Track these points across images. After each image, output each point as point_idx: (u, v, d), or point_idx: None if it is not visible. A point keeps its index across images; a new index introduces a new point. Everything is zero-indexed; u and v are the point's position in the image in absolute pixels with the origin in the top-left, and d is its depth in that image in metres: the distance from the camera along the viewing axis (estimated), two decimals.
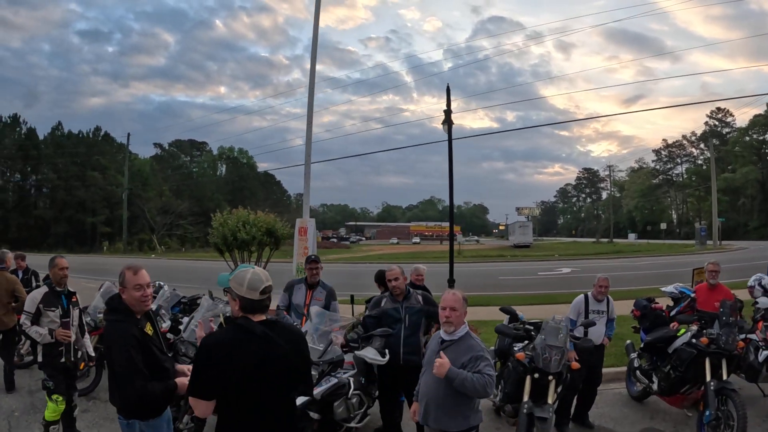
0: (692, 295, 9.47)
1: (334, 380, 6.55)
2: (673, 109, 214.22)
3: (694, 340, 7.60)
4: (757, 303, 9.39)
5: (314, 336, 6.87)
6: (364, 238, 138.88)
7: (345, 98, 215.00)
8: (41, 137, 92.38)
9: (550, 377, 6.49)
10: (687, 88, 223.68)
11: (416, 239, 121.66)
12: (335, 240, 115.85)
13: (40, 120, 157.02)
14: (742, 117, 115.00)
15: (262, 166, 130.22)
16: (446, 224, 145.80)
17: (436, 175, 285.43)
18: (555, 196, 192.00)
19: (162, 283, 10.52)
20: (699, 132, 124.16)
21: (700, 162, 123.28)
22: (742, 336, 7.99)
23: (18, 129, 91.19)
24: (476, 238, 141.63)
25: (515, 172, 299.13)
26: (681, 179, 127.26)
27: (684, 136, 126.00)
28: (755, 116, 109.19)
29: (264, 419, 3.65)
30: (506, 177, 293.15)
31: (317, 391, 6.25)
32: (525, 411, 6.34)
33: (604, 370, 9.09)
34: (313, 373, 5.99)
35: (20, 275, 11.71)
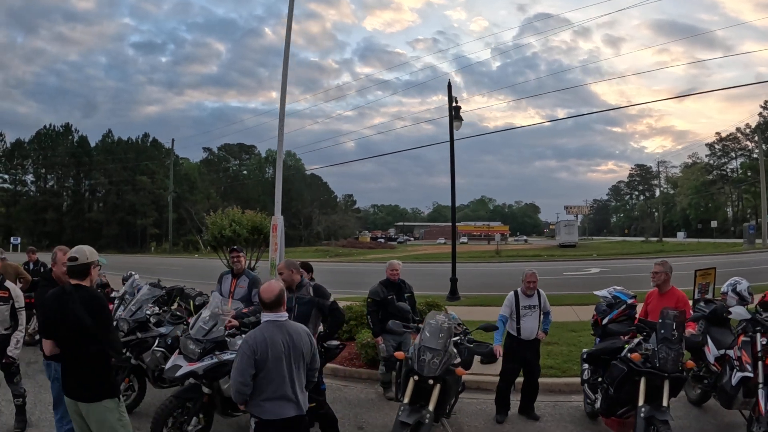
0: (629, 301, 8.53)
1: (215, 359, 6.82)
2: (728, 101, 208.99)
3: (629, 355, 6.87)
4: (730, 313, 8.11)
5: (206, 317, 7.19)
6: (412, 239, 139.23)
7: (396, 100, 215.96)
8: (92, 145, 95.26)
9: (430, 381, 6.39)
10: (741, 79, 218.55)
11: (464, 239, 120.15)
12: (383, 240, 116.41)
13: (100, 129, 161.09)
14: None
15: (311, 168, 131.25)
16: (495, 224, 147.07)
17: (489, 175, 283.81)
18: (607, 194, 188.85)
19: (133, 272, 10.87)
20: (754, 124, 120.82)
21: (755, 156, 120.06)
22: (721, 352, 7.63)
23: (70, 137, 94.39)
24: (525, 238, 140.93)
25: (568, 170, 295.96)
26: (736, 174, 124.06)
27: (738, 129, 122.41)
28: None
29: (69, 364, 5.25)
30: (559, 175, 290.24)
31: (199, 365, 6.74)
32: (400, 414, 6.29)
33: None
34: (196, 349, 6.81)
35: (31, 267, 13.38)
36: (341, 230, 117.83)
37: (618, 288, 8.93)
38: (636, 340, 7.14)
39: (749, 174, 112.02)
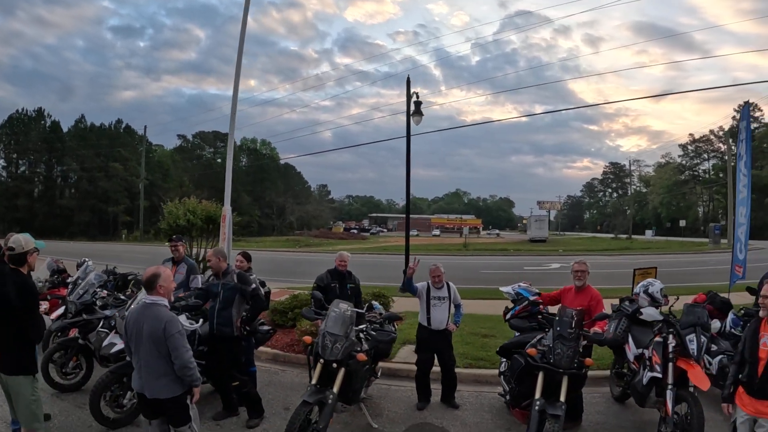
0: (531, 297, 8.75)
1: None
2: (704, 104, 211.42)
3: (529, 350, 7.05)
4: (641, 314, 8.30)
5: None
6: (385, 230, 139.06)
7: (374, 91, 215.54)
8: (65, 130, 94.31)
9: (334, 364, 6.77)
10: (718, 82, 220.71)
11: (436, 231, 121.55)
12: (356, 231, 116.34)
13: (76, 113, 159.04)
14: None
15: (289, 158, 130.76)
16: (468, 217, 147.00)
17: (466, 169, 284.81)
18: (581, 191, 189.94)
19: (87, 259, 11.12)
20: (727, 127, 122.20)
21: (727, 158, 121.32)
22: (639, 351, 7.70)
23: (43, 122, 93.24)
24: (497, 231, 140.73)
25: (544, 166, 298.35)
26: (708, 175, 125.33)
27: (711, 131, 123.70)
28: None
29: None
30: (535, 171, 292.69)
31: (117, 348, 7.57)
32: (305, 394, 6.64)
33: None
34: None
35: None
36: (315, 220, 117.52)
37: (523, 285, 9.16)
38: (539, 336, 7.35)
39: (721, 175, 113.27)
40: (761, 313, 5.53)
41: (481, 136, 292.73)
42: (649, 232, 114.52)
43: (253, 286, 8.04)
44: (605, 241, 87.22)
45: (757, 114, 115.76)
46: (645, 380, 7.16)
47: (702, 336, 7.11)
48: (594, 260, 39.73)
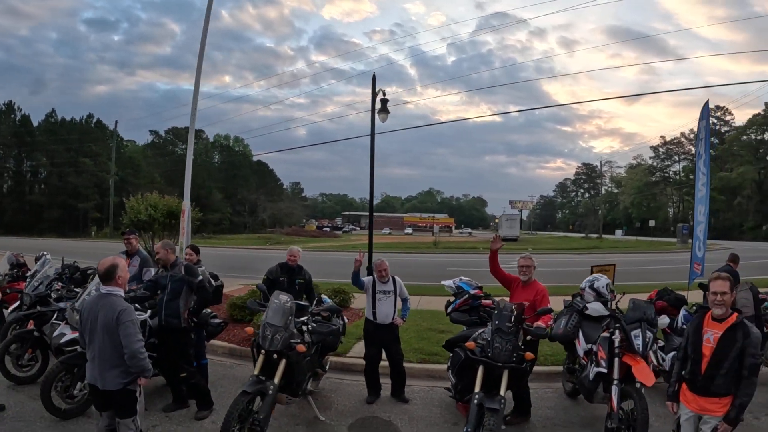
0: (472, 291, 8.80)
1: None
2: (676, 107, 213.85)
3: (467, 343, 7.00)
4: (586, 309, 8.23)
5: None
6: (357, 228, 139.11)
7: (349, 89, 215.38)
8: (35, 124, 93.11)
9: (275, 355, 6.84)
10: (690, 87, 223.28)
11: (409, 230, 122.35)
12: (328, 229, 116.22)
13: (48, 107, 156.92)
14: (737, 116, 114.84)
15: (265, 156, 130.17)
16: (440, 216, 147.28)
17: (440, 168, 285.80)
18: (554, 191, 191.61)
19: (45, 253, 11.10)
20: (697, 130, 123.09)
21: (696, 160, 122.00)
22: (589, 347, 7.58)
23: (12, 116, 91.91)
24: (469, 230, 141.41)
25: (517, 166, 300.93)
26: (678, 177, 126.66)
27: (682, 134, 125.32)
28: (754, 115, 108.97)
29: None
30: (508, 171, 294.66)
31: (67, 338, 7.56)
32: (245, 384, 6.70)
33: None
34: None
35: None
36: (287, 218, 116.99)
37: (464, 278, 9.20)
38: (480, 330, 7.32)
39: (691, 177, 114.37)
40: (716, 311, 5.38)
41: (455, 135, 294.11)
42: (619, 232, 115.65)
43: (200, 277, 8.08)
44: (576, 240, 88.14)
45: (728, 118, 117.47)
46: (591, 375, 7.19)
47: (648, 331, 7.09)
48: (562, 259, 40.32)
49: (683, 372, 5.59)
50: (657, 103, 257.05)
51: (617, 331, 7.18)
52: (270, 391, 6.61)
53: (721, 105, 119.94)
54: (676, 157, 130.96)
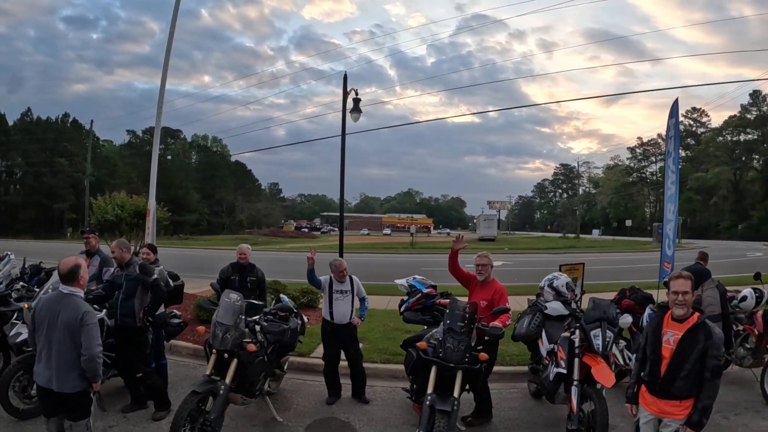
0: (425, 290, 8.77)
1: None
2: (654, 109, 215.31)
3: (419, 343, 6.92)
4: (545, 308, 8.16)
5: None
6: (336, 229, 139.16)
7: (329, 90, 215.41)
8: (11, 123, 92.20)
9: (225, 355, 6.79)
10: (667, 89, 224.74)
11: (387, 230, 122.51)
12: (306, 230, 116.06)
13: (25, 106, 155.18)
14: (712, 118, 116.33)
15: (243, 156, 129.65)
16: (419, 216, 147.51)
17: (419, 168, 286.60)
18: (532, 191, 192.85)
19: (9, 253, 10.99)
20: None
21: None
22: (551, 347, 7.44)
23: None
24: (447, 231, 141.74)
25: (496, 166, 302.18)
26: (655, 177, 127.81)
27: (659, 135, 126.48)
28: (730, 117, 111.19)
29: None
30: (487, 171, 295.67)
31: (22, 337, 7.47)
32: (195, 384, 6.66)
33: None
34: None
35: None
36: (265, 219, 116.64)
37: (418, 277, 9.14)
38: (434, 330, 7.22)
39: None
40: (676, 312, 5.16)
41: (434, 136, 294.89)
42: (596, 232, 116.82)
43: (154, 276, 8.02)
44: (553, 240, 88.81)
45: (704, 119, 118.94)
46: (552, 376, 7.11)
47: (608, 331, 7.00)
48: (537, 258, 40.41)
49: (642, 374, 5.42)
50: (634, 105, 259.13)
51: (577, 331, 7.09)
52: (221, 391, 6.54)
53: (698, 107, 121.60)
54: (653, 158, 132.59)
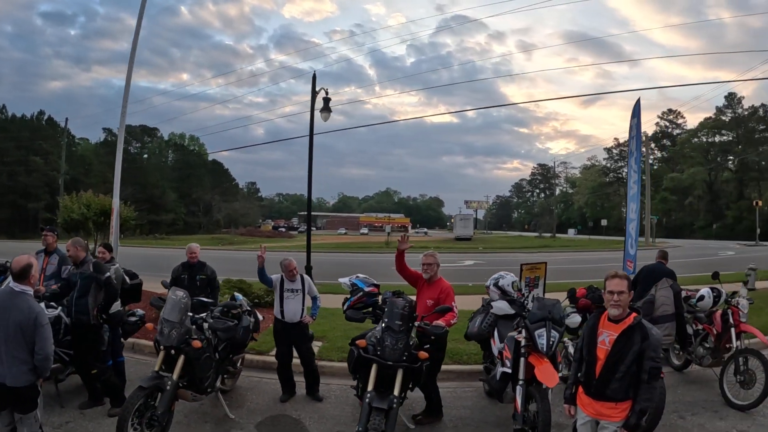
0: (366, 288, 8.62)
1: None
2: (630, 110, 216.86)
3: (358, 341, 7.04)
4: (491, 307, 8.27)
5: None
6: (314, 228, 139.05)
7: (307, 89, 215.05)
8: None
9: (172, 351, 6.86)
10: (645, 91, 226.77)
11: (364, 230, 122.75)
12: (283, 229, 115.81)
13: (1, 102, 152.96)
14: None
15: (221, 156, 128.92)
16: (396, 216, 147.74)
17: (397, 168, 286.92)
18: (510, 191, 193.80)
19: None
20: (651, 132, 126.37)
21: (650, 161, 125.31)
22: (502, 346, 7.41)
23: None
24: (425, 230, 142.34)
25: (475, 166, 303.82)
26: None
27: None
28: (705, 119, 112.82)
29: None
30: (466, 171, 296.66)
31: None
32: (141, 379, 6.74)
33: None
34: None
35: None
36: (243, 218, 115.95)
37: (361, 276, 9.08)
38: (378, 327, 7.20)
39: (643, 178, 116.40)
40: (611, 312, 5.10)
41: (413, 136, 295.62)
42: (571, 231, 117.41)
43: (107, 274, 8.08)
44: (529, 239, 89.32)
45: (680, 121, 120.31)
46: (498, 375, 7.19)
47: (553, 331, 7.00)
48: (511, 257, 40.43)
49: (579, 374, 5.33)
50: (612, 106, 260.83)
51: (523, 331, 7.10)
52: (168, 387, 6.62)
53: (674, 108, 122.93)
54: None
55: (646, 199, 75.31)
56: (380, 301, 7.99)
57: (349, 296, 8.69)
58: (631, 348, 4.88)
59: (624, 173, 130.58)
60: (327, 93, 19.58)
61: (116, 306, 8.44)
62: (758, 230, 73.42)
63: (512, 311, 7.83)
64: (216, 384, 7.86)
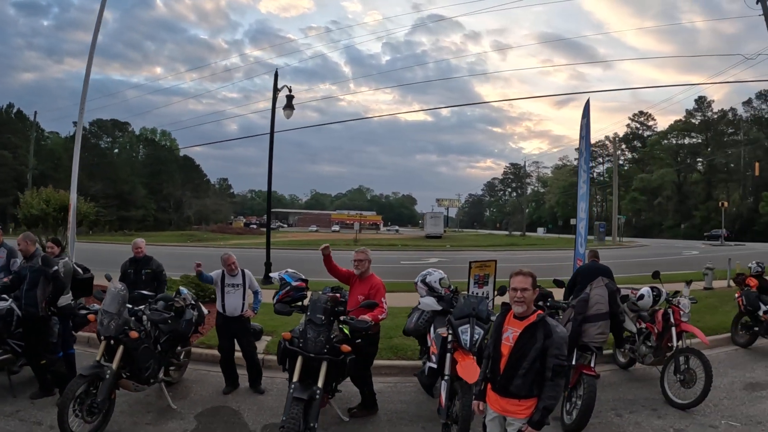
0: (294, 283, 8.85)
1: None
2: (603, 112, 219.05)
3: (284, 333, 7.09)
4: (418, 303, 8.51)
5: None
6: (285, 225, 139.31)
7: (280, 85, 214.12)
8: None
9: (112, 341, 7.17)
10: (618, 93, 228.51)
11: (336, 227, 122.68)
12: (254, 226, 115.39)
13: None
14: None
15: (194, 152, 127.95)
16: (368, 213, 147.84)
17: (371, 166, 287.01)
18: (482, 190, 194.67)
19: None
20: (622, 133, 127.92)
21: (621, 162, 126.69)
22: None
23: None
24: (396, 228, 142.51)
25: (448, 165, 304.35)
26: (602, 177, 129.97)
27: (607, 137, 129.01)
28: (675, 121, 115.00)
29: None
30: (439, 170, 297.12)
31: None
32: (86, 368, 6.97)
33: None
34: None
35: None
36: (214, 215, 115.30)
37: (290, 271, 9.26)
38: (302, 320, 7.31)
39: (609, 178, 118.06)
40: (515, 309, 5.06)
41: (387, 134, 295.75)
42: (540, 230, 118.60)
43: (55, 268, 8.29)
44: (498, 237, 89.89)
45: (651, 123, 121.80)
46: (426, 370, 7.41)
47: (477, 327, 7.09)
48: (476, 255, 40.72)
49: (487, 371, 5.31)
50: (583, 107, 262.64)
51: (447, 327, 7.24)
52: (107, 376, 6.85)
53: (645, 111, 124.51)
54: (600, 159, 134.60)
55: (614, 199, 76.67)
56: (308, 295, 8.16)
57: (278, 290, 8.91)
58: (534, 345, 4.89)
59: (595, 173, 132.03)
60: (290, 90, 19.77)
61: (67, 299, 8.67)
62: (724, 230, 74.89)
63: (439, 307, 7.98)
64: (159, 375, 8.08)
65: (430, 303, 8.19)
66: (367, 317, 7.31)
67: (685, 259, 38.41)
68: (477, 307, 7.26)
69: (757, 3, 25.47)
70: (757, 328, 12.30)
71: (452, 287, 8.70)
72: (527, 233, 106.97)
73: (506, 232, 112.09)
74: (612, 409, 8.33)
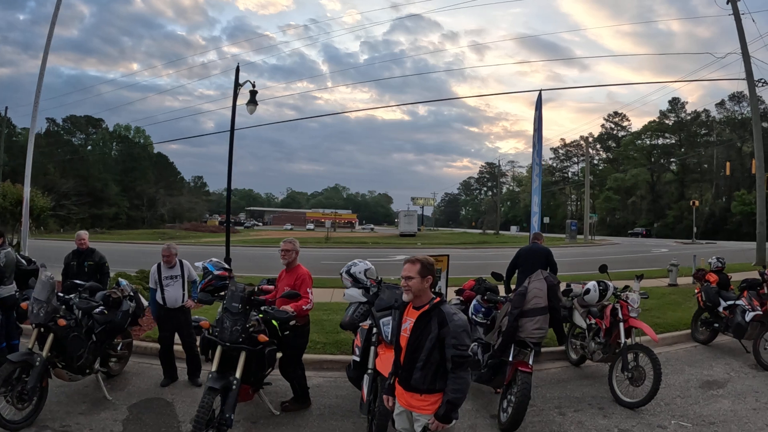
0: (216, 272, 8.82)
1: None
2: (579, 112, 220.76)
3: (202, 322, 7.38)
4: (344, 295, 8.35)
5: None
6: (260, 224, 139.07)
7: (260, 83, 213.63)
8: None
9: (43, 329, 7.26)
10: (594, 94, 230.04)
11: (311, 226, 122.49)
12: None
13: None
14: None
15: (169, 149, 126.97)
16: (344, 212, 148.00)
17: (348, 164, 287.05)
18: (458, 189, 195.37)
19: None
20: (596, 134, 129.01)
21: (596, 162, 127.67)
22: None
23: None
24: (371, 226, 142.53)
25: (425, 164, 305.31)
26: (577, 177, 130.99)
27: (582, 137, 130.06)
28: (649, 122, 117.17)
29: None
30: (416, 168, 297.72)
31: None
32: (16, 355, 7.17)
33: None
34: None
35: None
36: (188, 213, 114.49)
37: (214, 260, 9.27)
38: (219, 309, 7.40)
39: (591, 178, 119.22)
40: (404, 297, 4.87)
41: (364, 133, 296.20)
42: (514, 228, 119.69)
43: None
44: (472, 235, 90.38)
45: (625, 123, 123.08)
46: (351, 363, 7.41)
47: None
48: (446, 252, 40.92)
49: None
50: (561, 108, 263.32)
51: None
52: (36, 363, 6.92)
53: (619, 111, 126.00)
54: (575, 159, 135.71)
55: (585, 198, 77.39)
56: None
57: (201, 279, 8.99)
58: (428, 335, 4.65)
59: (570, 172, 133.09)
60: (254, 86, 19.70)
61: (10, 290, 8.77)
62: (695, 229, 75.97)
63: (364, 299, 7.89)
64: (95, 366, 8.17)
65: (354, 294, 8.06)
66: (288, 308, 7.35)
67: (653, 257, 38.62)
68: (398, 299, 6.69)
69: (727, 3, 25.83)
70: (717, 325, 12.14)
71: (379, 278, 8.47)
72: (501, 232, 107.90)
73: (480, 231, 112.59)
74: (556, 408, 8.20)
